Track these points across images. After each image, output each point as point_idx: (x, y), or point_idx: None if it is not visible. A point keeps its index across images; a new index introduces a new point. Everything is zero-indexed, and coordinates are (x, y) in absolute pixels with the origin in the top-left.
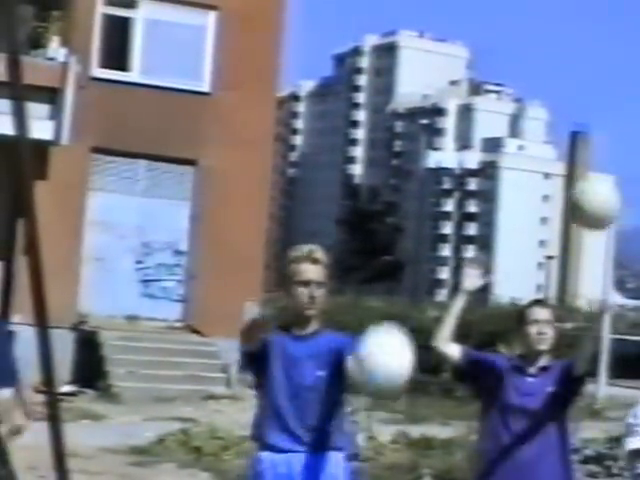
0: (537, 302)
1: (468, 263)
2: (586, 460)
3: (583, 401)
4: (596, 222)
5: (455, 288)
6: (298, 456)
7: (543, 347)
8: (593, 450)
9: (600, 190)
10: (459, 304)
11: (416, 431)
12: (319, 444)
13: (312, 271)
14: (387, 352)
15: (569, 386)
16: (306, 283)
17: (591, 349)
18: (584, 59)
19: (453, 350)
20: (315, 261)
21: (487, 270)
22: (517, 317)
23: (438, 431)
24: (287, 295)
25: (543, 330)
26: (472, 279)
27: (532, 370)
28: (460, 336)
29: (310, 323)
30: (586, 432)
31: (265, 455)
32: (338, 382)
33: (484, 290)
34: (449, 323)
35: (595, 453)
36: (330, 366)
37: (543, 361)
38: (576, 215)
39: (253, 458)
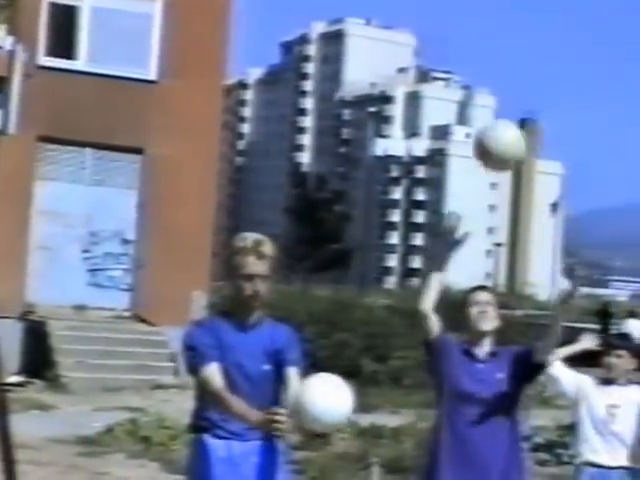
0: (479, 287)
1: (439, 231)
2: (536, 448)
3: (533, 389)
4: (501, 163)
5: (403, 275)
6: (238, 443)
7: (485, 327)
8: (543, 438)
9: (506, 133)
10: (438, 274)
11: (366, 420)
12: (258, 432)
13: (257, 265)
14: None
15: (524, 373)
16: (250, 277)
17: (557, 338)
18: (532, 46)
19: (434, 322)
20: (261, 255)
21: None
22: (461, 303)
23: (387, 420)
24: (230, 285)
25: (484, 309)
26: (444, 247)
27: (481, 356)
28: (408, 324)
29: (253, 314)
30: (536, 420)
31: (206, 440)
32: (280, 373)
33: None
34: (433, 288)
35: (545, 441)
36: (272, 358)
37: (490, 346)
38: (483, 156)
39: (194, 444)
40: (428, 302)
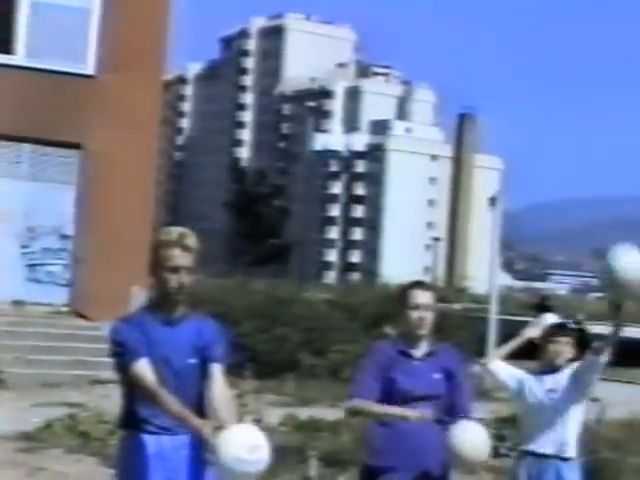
0: (419, 284)
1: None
2: None
3: (471, 382)
4: None
5: (343, 270)
6: (167, 437)
7: (423, 332)
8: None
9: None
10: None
11: (305, 413)
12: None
13: (182, 257)
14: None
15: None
16: (175, 269)
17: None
18: (471, 41)
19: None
20: (185, 247)
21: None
22: (399, 298)
23: (326, 413)
24: (155, 279)
25: (424, 315)
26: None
27: (418, 354)
28: (347, 319)
29: (178, 308)
30: (474, 413)
31: (136, 436)
32: (205, 370)
33: (371, 271)
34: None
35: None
36: (199, 353)
37: (427, 344)
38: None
39: (124, 440)
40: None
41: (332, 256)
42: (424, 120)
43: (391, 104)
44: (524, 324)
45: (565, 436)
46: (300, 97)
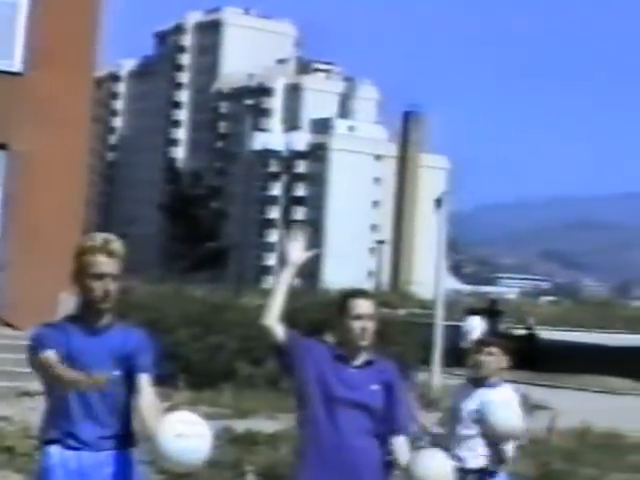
0: (360, 293)
1: (290, 236)
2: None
3: (417, 391)
4: None
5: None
6: (89, 453)
7: (365, 343)
8: (426, 442)
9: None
10: (286, 279)
11: (241, 426)
12: (110, 442)
13: (107, 264)
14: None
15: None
16: (100, 276)
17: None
18: (417, 37)
19: (279, 330)
20: (110, 253)
21: (311, 242)
22: (339, 307)
23: (264, 425)
24: (79, 286)
25: (366, 326)
26: (297, 252)
27: (356, 362)
28: (288, 325)
29: (103, 316)
30: (412, 427)
31: (55, 451)
32: (132, 381)
33: (312, 275)
34: (278, 300)
35: (428, 445)
36: (123, 364)
37: (366, 354)
38: None
39: (43, 455)
40: (273, 314)
41: (272, 260)
42: (368, 118)
43: (333, 102)
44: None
45: (495, 447)
46: (238, 95)
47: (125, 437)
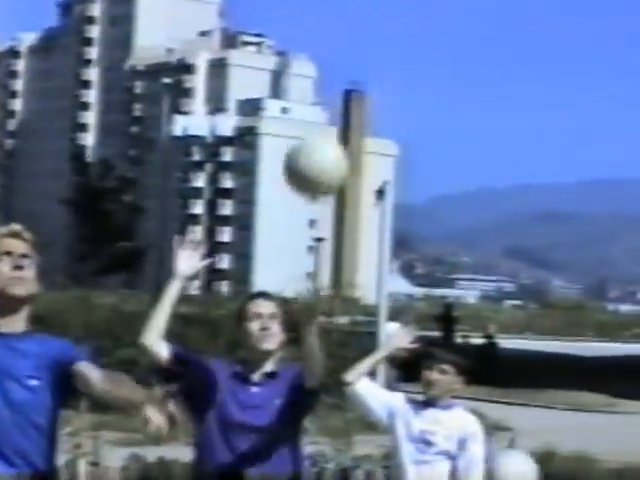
0: (260, 294)
1: (181, 243)
2: None
3: (355, 412)
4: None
5: (209, 278)
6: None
7: (268, 345)
8: (364, 470)
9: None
10: (172, 293)
11: (154, 453)
12: (27, 466)
13: (14, 244)
14: None
15: (300, 399)
16: (8, 253)
17: (320, 358)
18: (359, 4)
19: (161, 348)
20: (16, 235)
21: (206, 249)
22: (238, 314)
23: (181, 453)
24: None
25: (267, 325)
26: (188, 261)
27: (256, 377)
28: (207, 337)
29: (18, 314)
30: (360, 448)
31: None
32: (56, 396)
33: (241, 279)
34: (161, 315)
35: (366, 474)
36: (47, 374)
37: (270, 365)
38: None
39: None
40: (153, 331)
41: None
42: (303, 99)
43: (264, 80)
44: (424, 340)
45: (444, 477)
46: (155, 72)
47: (43, 461)
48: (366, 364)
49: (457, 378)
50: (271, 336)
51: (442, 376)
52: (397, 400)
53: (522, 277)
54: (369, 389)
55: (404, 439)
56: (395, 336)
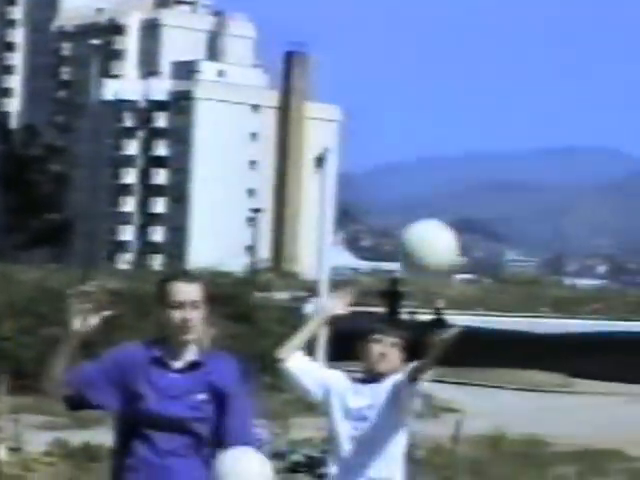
0: (182, 275)
1: (78, 294)
2: (294, 468)
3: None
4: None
5: (142, 252)
6: None
7: (189, 337)
8: (303, 454)
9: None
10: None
11: (78, 438)
12: None
13: None
14: None
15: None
16: None
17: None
18: None
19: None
20: None
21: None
22: (157, 294)
23: (106, 437)
24: None
25: (189, 316)
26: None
27: (178, 366)
28: (137, 315)
29: None
30: (298, 431)
31: None
32: None
33: (175, 254)
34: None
35: (305, 458)
36: None
37: (193, 353)
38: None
39: None
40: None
41: (128, 234)
42: (241, 61)
43: (199, 41)
44: (369, 316)
45: (383, 463)
46: (84, 33)
47: None
48: (299, 337)
49: (400, 354)
50: (193, 327)
51: (393, 349)
52: (335, 378)
53: (475, 251)
54: (304, 367)
55: (341, 418)
56: (328, 303)
